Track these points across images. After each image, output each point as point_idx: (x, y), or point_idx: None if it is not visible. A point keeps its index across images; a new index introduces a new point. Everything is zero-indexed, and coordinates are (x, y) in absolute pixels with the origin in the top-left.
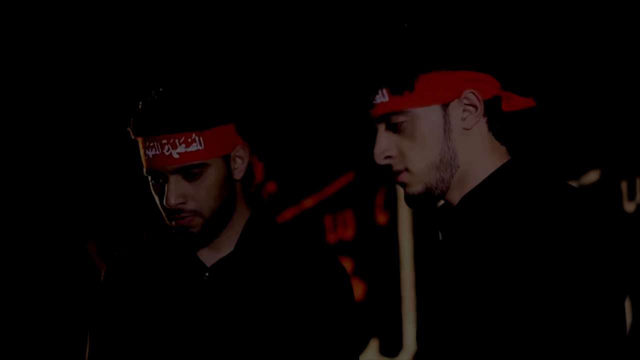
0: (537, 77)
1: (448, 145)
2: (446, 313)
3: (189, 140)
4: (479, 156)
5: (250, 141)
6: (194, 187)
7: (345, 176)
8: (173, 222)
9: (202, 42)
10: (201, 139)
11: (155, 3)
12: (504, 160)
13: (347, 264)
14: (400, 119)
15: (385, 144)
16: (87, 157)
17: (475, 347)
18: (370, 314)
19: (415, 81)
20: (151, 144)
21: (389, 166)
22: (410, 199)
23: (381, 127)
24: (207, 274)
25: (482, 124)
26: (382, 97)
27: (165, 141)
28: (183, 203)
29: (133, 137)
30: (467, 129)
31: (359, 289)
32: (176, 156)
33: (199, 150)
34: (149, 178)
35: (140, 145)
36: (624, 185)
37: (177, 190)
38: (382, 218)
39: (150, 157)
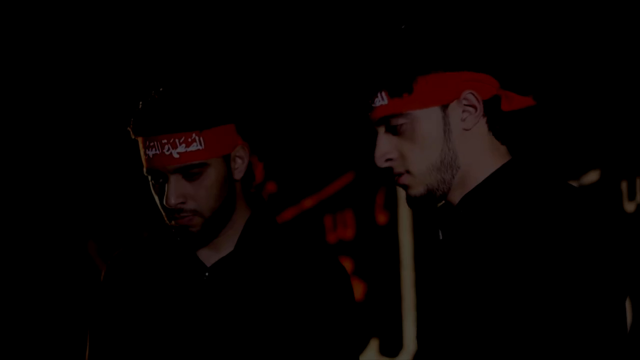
0: (536, 76)
1: (448, 146)
2: (446, 313)
3: (189, 140)
4: (479, 156)
5: (250, 141)
6: (194, 187)
7: (345, 176)
8: (173, 222)
9: (202, 42)
10: (201, 138)
11: (155, 3)
12: (505, 160)
13: (347, 264)
14: (400, 121)
15: (385, 147)
16: (87, 157)
17: (475, 347)
18: (370, 314)
19: (414, 83)
20: (151, 144)
21: (390, 168)
22: (412, 201)
23: (381, 130)
24: (207, 274)
25: (482, 124)
26: (381, 100)
27: (165, 141)
28: (183, 203)
29: (133, 137)
30: (467, 130)
31: (359, 289)
32: (176, 156)
33: (199, 150)
34: (149, 178)
35: (141, 145)
36: (624, 185)
37: (177, 190)
38: (382, 218)
39: (151, 156)
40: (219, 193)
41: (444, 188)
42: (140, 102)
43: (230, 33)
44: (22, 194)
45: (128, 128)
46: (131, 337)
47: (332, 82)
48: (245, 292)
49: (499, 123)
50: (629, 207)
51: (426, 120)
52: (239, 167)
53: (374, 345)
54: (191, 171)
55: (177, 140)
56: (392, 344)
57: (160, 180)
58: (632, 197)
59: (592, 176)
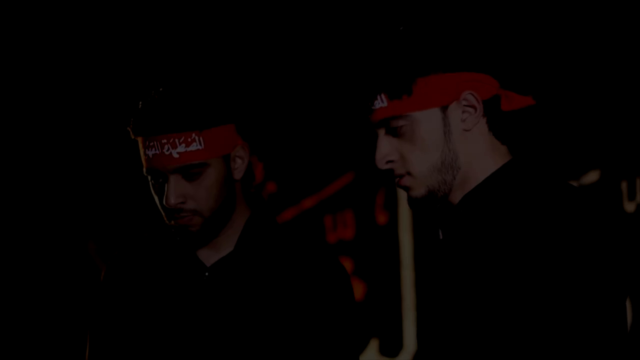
0: (536, 76)
1: (449, 147)
2: (447, 313)
3: (189, 140)
4: (480, 157)
5: (250, 141)
6: (194, 186)
7: (345, 176)
8: (172, 222)
9: (202, 42)
10: (201, 138)
11: (155, 3)
12: (505, 160)
13: (347, 264)
14: (400, 123)
15: (386, 149)
16: (87, 157)
17: (476, 346)
18: (370, 314)
19: (413, 85)
20: (151, 144)
21: (391, 170)
22: (413, 202)
23: (381, 132)
24: (206, 274)
25: (482, 125)
26: (381, 102)
27: (165, 141)
28: (183, 203)
29: (133, 137)
30: (467, 130)
31: (359, 289)
32: (176, 156)
33: (198, 150)
34: (149, 178)
35: (140, 145)
36: (623, 186)
37: (176, 190)
38: (382, 218)
39: (150, 156)
40: (219, 193)
41: (445, 189)
42: (140, 102)
43: (230, 33)
44: (22, 195)
45: (128, 128)
46: (131, 337)
47: (332, 82)
48: (245, 292)
49: (499, 123)
50: (629, 207)
51: (426, 121)
52: (239, 167)
53: (374, 345)
54: (191, 171)
55: (176, 140)
56: (392, 344)
57: (160, 180)
58: (632, 197)
59: (592, 176)
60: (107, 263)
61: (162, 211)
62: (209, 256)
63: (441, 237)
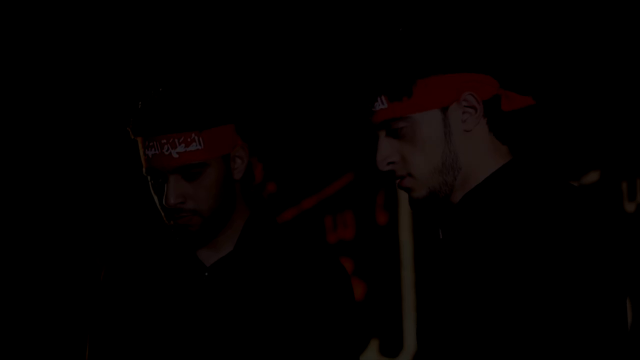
0: (536, 76)
1: (449, 148)
2: (447, 313)
3: (189, 140)
4: (480, 157)
5: (249, 141)
6: (194, 186)
7: (345, 177)
8: (172, 222)
9: (202, 42)
10: (201, 138)
11: (155, 3)
12: (506, 160)
13: (347, 264)
14: (401, 124)
15: (387, 151)
16: (87, 157)
17: (476, 346)
18: (370, 314)
19: (414, 87)
20: (151, 144)
21: (392, 171)
22: (415, 203)
23: (382, 134)
24: (206, 274)
25: (483, 125)
26: (381, 104)
27: (164, 141)
28: (182, 203)
29: (133, 137)
30: (467, 131)
31: (359, 289)
32: (176, 156)
33: (198, 150)
34: (149, 178)
35: (140, 145)
36: (624, 187)
37: (176, 190)
38: (382, 218)
39: (150, 156)
40: (219, 193)
41: (446, 190)
42: (140, 102)
43: (230, 33)
44: (22, 195)
45: (127, 128)
46: (131, 337)
47: (332, 83)
48: (245, 292)
49: (500, 123)
50: (629, 207)
51: (426, 123)
52: (239, 167)
53: (374, 345)
54: (191, 171)
55: (176, 140)
56: (392, 344)
57: (160, 180)
58: (632, 197)
59: (592, 177)
60: (107, 263)
61: (161, 211)
62: (208, 256)
63: (441, 237)
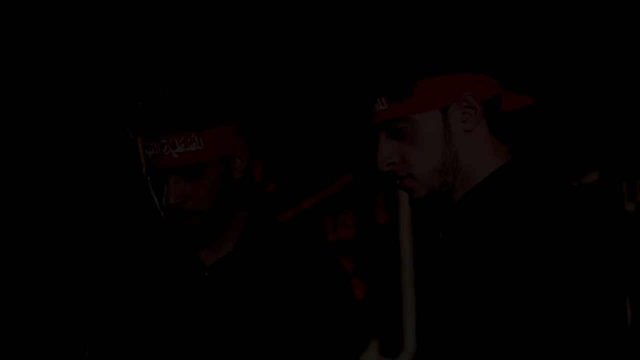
0: (536, 76)
1: (449, 148)
2: (447, 313)
3: (189, 140)
4: (480, 157)
5: (249, 142)
6: (193, 187)
7: (345, 177)
8: (172, 222)
9: (201, 42)
10: (200, 139)
11: (155, 3)
12: (506, 160)
13: (347, 264)
14: (401, 125)
15: (387, 151)
16: (86, 157)
17: (476, 346)
18: (370, 314)
19: (413, 87)
20: (150, 144)
21: (392, 172)
22: (415, 204)
23: (382, 135)
24: (206, 274)
25: (483, 125)
26: (381, 105)
27: (164, 141)
28: (182, 203)
29: (132, 137)
30: (467, 131)
31: (359, 289)
32: (175, 156)
33: (198, 150)
34: (148, 178)
35: (140, 145)
36: (624, 187)
37: (176, 190)
38: (382, 218)
39: (150, 157)
40: (218, 193)
41: (447, 190)
42: (140, 102)
43: (230, 33)
44: (22, 195)
45: (127, 128)
46: (131, 337)
47: (332, 84)
48: (245, 292)
49: (500, 123)
50: (629, 207)
51: (426, 123)
52: (239, 168)
53: (374, 345)
54: (190, 171)
55: (176, 141)
56: (392, 344)
57: (160, 180)
58: (632, 197)
59: (592, 177)
60: (106, 263)
61: (161, 211)
62: (208, 256)
63: (441, 237)
